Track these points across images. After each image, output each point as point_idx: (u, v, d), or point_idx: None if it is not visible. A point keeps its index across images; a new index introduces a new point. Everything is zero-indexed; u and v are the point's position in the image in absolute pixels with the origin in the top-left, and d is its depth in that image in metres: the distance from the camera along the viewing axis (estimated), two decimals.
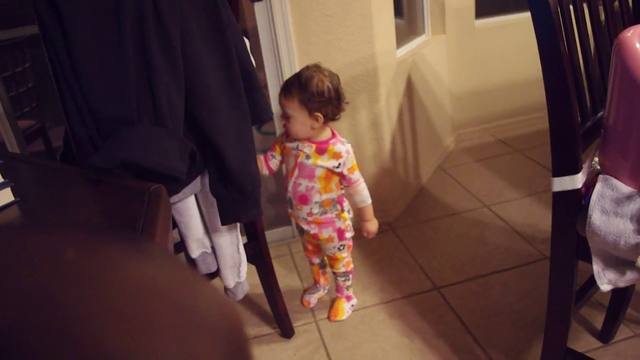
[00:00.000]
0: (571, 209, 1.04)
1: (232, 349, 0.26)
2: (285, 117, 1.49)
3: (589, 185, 1.03)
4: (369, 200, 1.62)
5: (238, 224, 1.45)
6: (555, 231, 1.10)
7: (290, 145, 1.56)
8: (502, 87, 2.93)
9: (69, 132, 1.09)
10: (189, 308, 0.25)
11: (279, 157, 1.62)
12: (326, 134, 1.55)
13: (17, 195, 0.87)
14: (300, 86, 1.44)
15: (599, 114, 1.11)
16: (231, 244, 1.44)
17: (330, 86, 1.46)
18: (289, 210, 1.67)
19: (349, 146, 1.55)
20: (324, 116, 1.46)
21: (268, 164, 1.61)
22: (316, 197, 1.57)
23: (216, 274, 1.47)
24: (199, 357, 0.23)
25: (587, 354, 1.28)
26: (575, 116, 0.98)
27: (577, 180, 1.01)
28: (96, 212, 0.84)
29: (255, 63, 1.32)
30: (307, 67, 1.49)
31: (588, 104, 1.08)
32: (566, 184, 1.02)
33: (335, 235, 1.65)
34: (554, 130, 1.01)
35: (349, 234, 1.68)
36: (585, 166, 1.03)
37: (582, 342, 1.53)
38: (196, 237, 1.38)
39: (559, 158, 1.02)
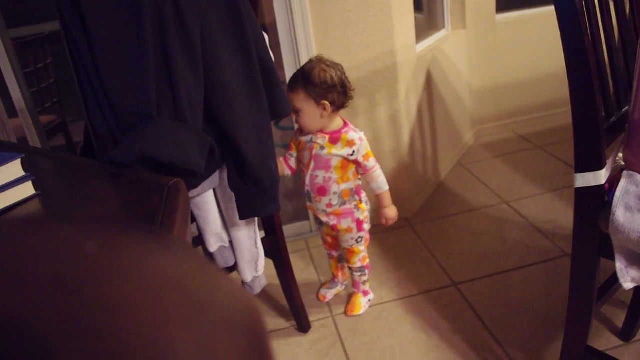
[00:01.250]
0: (594, 206, 1.03)
1: (252, 344, 0.26)
2: (295, 111, 1.51)
3: (613, 181, 1.01)
4: (387, 187, 1.63)
5: (256, 219, 1.45)
6: (578, 228, 1.08)
7: (304, 139, 1.58)
8: (522, 82, 2.89)
9: (89, 126, 1.10)
10: (208, 302, 0.25)
11: (296, 156, 1.63)
12: (338, 123, 1.56)
13: (38, 189, 0.87)
14: (303, 78, 1.48)
15: (624, 109, 1.09)
16: (249, 238, 1.44)
17: (334, 74, 1.48)
18: (308, 204, 1.68)
19: (361, 134, 1.57)
20: (330, 104, 1.48)
21: (288, 163, 1.63)
22: (334, 188, 1.58)
23: (234, 268, 1.48)
24: (217, 352, 0.23)
25: (608, 352, 1.26)
26: (599, 111, 0.96)
27: (601, 177, 0.99)
28: (116, 206, 0.84)
29: (274, 59, 1.32)
30: (310, 60, 1.54)
31: (612, 98, 1.06)
32: (589, 180, 1.00)
33: (354, 226, 1.65)
34: (578, 126, 0.99)
35: (367, 226, 1.68)
36: (609, 162, 1.02)
37: (603, 340, 1.51)
38: (214, 232, 1.38)
39: (582, 154, 1.01)
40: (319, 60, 1.51)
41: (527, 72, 2.87)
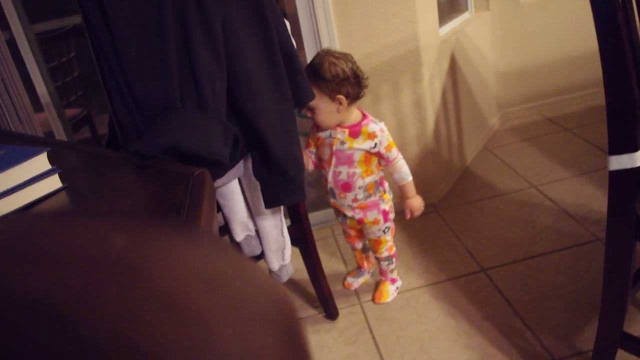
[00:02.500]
0: (630, 189, 1.00)
1: (288, 337, 0.25)
2: (309, 109, 1.47)
3: None
4: (410, 177, 1.59)
5: (282, 207, 1.45)
6: (612, 211, 1.05)
7: (322, 135, 1.55)
8: (549, 64, 2.83)
9: (113, 118, 1.10)
10: (243, 297, 0.24)
11: (315, 151, 1.61)
12: (356, 116, 1.53)
13: (65, 182, 0.88)
14: (314, 74, 1.43)
15: None
16: (275, 227, 1.44)
17: (345, 66, 1.44)
18: (331, 201, 1.64)
19: (382, 124, 1.53)
20: (346, 97, 1.45)
21: (311, 159, 1.61)
22: (359, 182, 1.55)
23: (260, 257, 1.48)
24: (257, 349, 0.22)
25: None
26: (633, 90, 0.93)
27: (636, 159, 0.96)
28: (142, 198, 0.84)
29: (296, 45, 1.30)
30: (317, 55, 1.49)
31: None
32: (624, 162, 0.97)
33: (380, 217, 1.63)
34: (611, 106, 0.96)
35: (392, 215, 1.67)
36: None
37: (638, 325, 1.48)
38: (240, 221, 1.38)
39: (616, 135, 0.98)
40: (326, 53, 1.47)
41: (553, 53, 2.80)
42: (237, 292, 0.24)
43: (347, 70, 1.44)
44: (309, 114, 1.50)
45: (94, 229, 0.25)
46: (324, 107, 1.46)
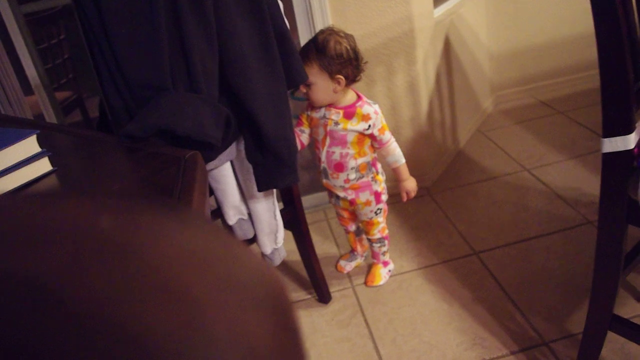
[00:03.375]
0: (622, 171, 1.00)
1: (279, 319, 0.25)
2: (306, 84, 1.46)
3: None
4: (403, 159, 1.60)
5: (274, 190, 1.44)
6: (604, 194, 1.05)
7: (316, 115, 1.54)
8: (543, 46, 2.82)
9: (104, 101, 1.09)
10: (233, 278, 0.23)
11: (308, 131, 1.60)
12: (351, 97, 1.52)
13: (55, 165, 0.87)
14: (317, 51, 1.43)
15: None
16: (268, 210, 1.43)
17: (348, 47, 1.44)
18: (324, 181, 1.65)
19: (376, 107, 1.53)
20: (345, 78, 1.44)
21: (300, 139, 1.59)
22: (352, 163, 1.55)
23: (253, 240, 1.48)
24: (247, 331, 0.21)
25: (633, 320, 1.24)
26: (628, 72, 0.93)
27: (630, 141, 0.96)
28: (133, 180, 0.83)
29: (289, 26, 1.28)
30: (322, 31, 1.48)
31: None
32: (617, 144, 0.97)
33: (372, 198, 1.63)
34: (606, 88, 0.96)
35: (384, 197, 1.67)
36: (638, 126, 0.98)
37: (628, 307, 1.49)
38: (233, 204, 1.38)
39: (610, 118, 0.97)
40: (332, 32, 1.46)
41: (548, 36, 2.79)
42: (227, 274, 0.24)
43: (350, 51, 1.44)
44: (304, 90, 1.48)
45: (81, 208, 0.25)
46: (322, 85, 1.45)
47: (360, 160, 1.56)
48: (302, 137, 1.60)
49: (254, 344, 0.21)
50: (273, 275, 0.26)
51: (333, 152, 1.55)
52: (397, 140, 1.58)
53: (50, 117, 2.01)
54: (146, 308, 0.19)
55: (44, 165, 0.87)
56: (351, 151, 1.54)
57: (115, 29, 1.01)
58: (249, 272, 0.25)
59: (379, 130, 1.52)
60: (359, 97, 1.53)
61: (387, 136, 1.55)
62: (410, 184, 1.64)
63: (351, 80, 1.48)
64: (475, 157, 2.45)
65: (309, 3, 1.84)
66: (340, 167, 1.56)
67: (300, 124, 1.60)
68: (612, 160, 1.01)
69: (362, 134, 1.52)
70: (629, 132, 0.96)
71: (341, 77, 1.44)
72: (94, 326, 0.18)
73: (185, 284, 0.21)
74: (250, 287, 0.24)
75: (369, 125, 1.51)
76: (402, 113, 2.10)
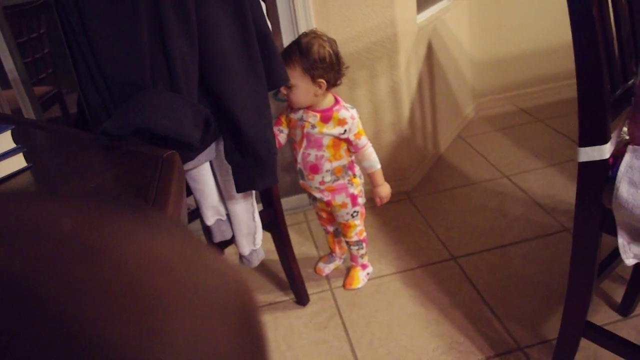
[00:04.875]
0: (597, 181, 1.01)
1: (243, 327, 0.24)
2: (287, 86, 1.46)
3: (617, 156, 0.99)
4: (378, 165, 1.60)
5: (254, 192, 1.43)
6: (580, 203, 1.06)
7: (295, 116, 1.54)
8: (525, 54, 2.85)
9: (82, 97, 1.07)
10: (199, 285, 0.23)
11: (286, 131, 1.60)
12: (329, 101, 1.53)
13: (30, 161, 0.85)
14: (301, 53, 1.43)
15: (630, 82, 1.07)
16: (246, 211, 1.43)
17: (331, 51, 1.45)
18: (300, 182, 1.66)
19: (353, 111, 1.53)
20: (326, 82, 1.45)
21: (278, 138, 1.59)
22: (327, 166, 1.56)
23: (231, 241, 1.47)
24: (210, 337, 0.21)
25: (606, 327, 1.26)
26: (605, 83, 0.94)
27: (605, 151, 0.97)
28: (109, 179, 0.82)
29: (272, 28, 1.28)
30: (305, 34, 1.48)
31: (619, 70, 1.03)
32: (593, 154, 0.98)
33: (348, 200, 1.63)
34: (582, 98, 0.97)
35: (361, 200, 1.67)
36: (613, 136, 0.99)
37: (601, 315, 1.51)
38: (211, 205, 1.37)
39: (586, 127, 0.99)
40: (316, 35, 1.46)
41: (529, 44, 2.82)
42: (193, 279, 0.23)
43: (333, 55, 1.45)
44: (285, 91, 1.48)
45: (47, 208, 0.24)
46: (303, 87, 1.45)
47: (336, 164, 1.56)
48: (280, 136, 1.59)
49: (214, 349, 0.21)
50: (240, 280, 0.26)
51: (309, 154, 1.55)
52: (378, 144, 1.59)
53: (29, 112, 1.98)
54: (106, 309, 0.19)
55: (18, 162, 0.85)
56: (326, 154, 1.54)
57: (94, 24, 1.00)
58: (216, 277, 0.25)
59: (354, 135, 1.52)
60: (336, 101, 1.53)
61: (363, 141, 1.55)
62: (384, 190, 1.65)
63: (332, 84, 1.48)
64: (455, 163, 2.47)
65: (293, 5, 1.84)
66: (315, 169, 1.56)
67: (279, 123, 1.59)
68: (587, 170, 1.02)
69: (337, 138, 1.52)
70: (605, 142, 0.97)
71: (323, 81, 1.44)
72: (56, 318, 0.18)
73: (146, 286, 0.21)
74: (215, 292, 0.24)
75: (345, 130, 1.51)
76: (383, 117, 2.11)
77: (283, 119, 1.59)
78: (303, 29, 1.85)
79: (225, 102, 1.17)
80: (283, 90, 1.48)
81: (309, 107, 1.51)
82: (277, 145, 1.58)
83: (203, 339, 0.21)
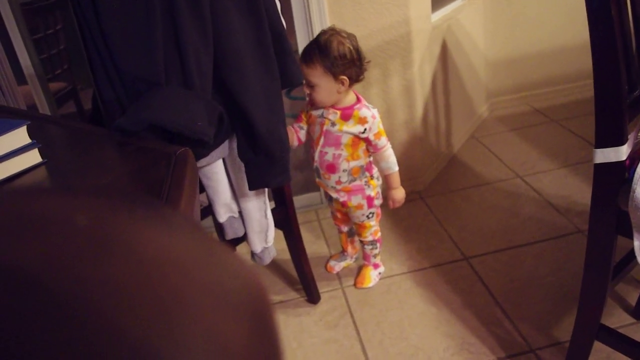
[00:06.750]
0: (613, 182, 1.00)
1: (257, 325, 0.24)
2: (310, 85, 1.45)
3: (634, 157, 0.98)
4: (396, 167, 1.59)
5: (266, 189, 1.43)
6: (595, 204, 1.05)
7: (315, 113, 1.53)
8: (539, 54, 2.82)
9: (97, 93, 1.08)
10: (213, 283, 0.23)
11: (306, 127, 1.59)
12: (350, 98, 1.51)
13: (45, 157, 0.86)
14: (320, 52, 1.41)
15: None
16: (259, 209, 1.43)
17: (351, 47, 1.43)
18: (317, 180, 1.65)
19: (375, 111, 1.51)
20: (348, 78, 1.43)
21: (298, 135, 1.58)
22: (344, 165, 1.55)
23: (243, 238, 1.47)
24: (225, 337, 0.21)
25: (620, 330, 1.25)
26: (622, 84, 0.93)
27: (622, 153, 0.96)
28: (122, 175, 0.83)
29: (286, 26, 1.28)
30: (324, 32, 1.46)
31: (637, 71, 1.02)
32: (609, 155, 0.97)
33: (364, 202, 1.62)
34: (599, 99, 0.96)
35: (377, 201, 1.66)
36: (630, 137, 0.98)
37: (615, 318, 1.50)
38: (224, 202, 1.37)
39: (602, 128, 0.97)
40: (334, 32, 1.44)
41: (544, 44, 2.80)
42: (208, 277, 0.23)
43: (353, 51, 1.43)
44: (307, 90, 1.47)
45: (60, 206, 0.24)
46: (326, 86, 1.44)
47: (353, 164, 1.55)
48: (300, 133, 1.59)
49: (228, 348, 0.21)
50: (255, 279, 0.26)
51: (326, 153, 1.54)
52: (391, 143, 1.58)
53: (44, 107, 1.99)
54: (124, 308, 0.19)
55: (33, 157, 0.86)
56: (344, 153, 1.53)
57: (110, 22, 1.00)
58: (230, 276, 0.25)
59: (374, 135, 1.51)
60: (358, 100, 1.52)
61: (383, 142, 1.54)
62: (399, 194, 1.64)
63: (355, 80, 1.47)
64: (468, 163, 2.45)
65: (307, 4, 1.83)
66: (332, 168, 1.56)
67: (299, 120, 1.59)
68: (603, 171, 1.01)
69: (357, 137, 1.51)
70: (621, 143, 0.96)
71: (345, 78, 1.43)
72: (73, 315, 0.18)
73: (160, 284, 0.21)
74: (230, 291, 0.24)
75: (365, 129, 1.50)
76: (396, 116, 2.10)
77: (303, 116, 1.58)
78: (318, 27, 1.85)
79: (238, 99, 1.17)
80: (306, 89, 1.47)
81: (331, 105, 1.50)
82: (298, 143, 1.58)
83: (218, 338, 0.21)
